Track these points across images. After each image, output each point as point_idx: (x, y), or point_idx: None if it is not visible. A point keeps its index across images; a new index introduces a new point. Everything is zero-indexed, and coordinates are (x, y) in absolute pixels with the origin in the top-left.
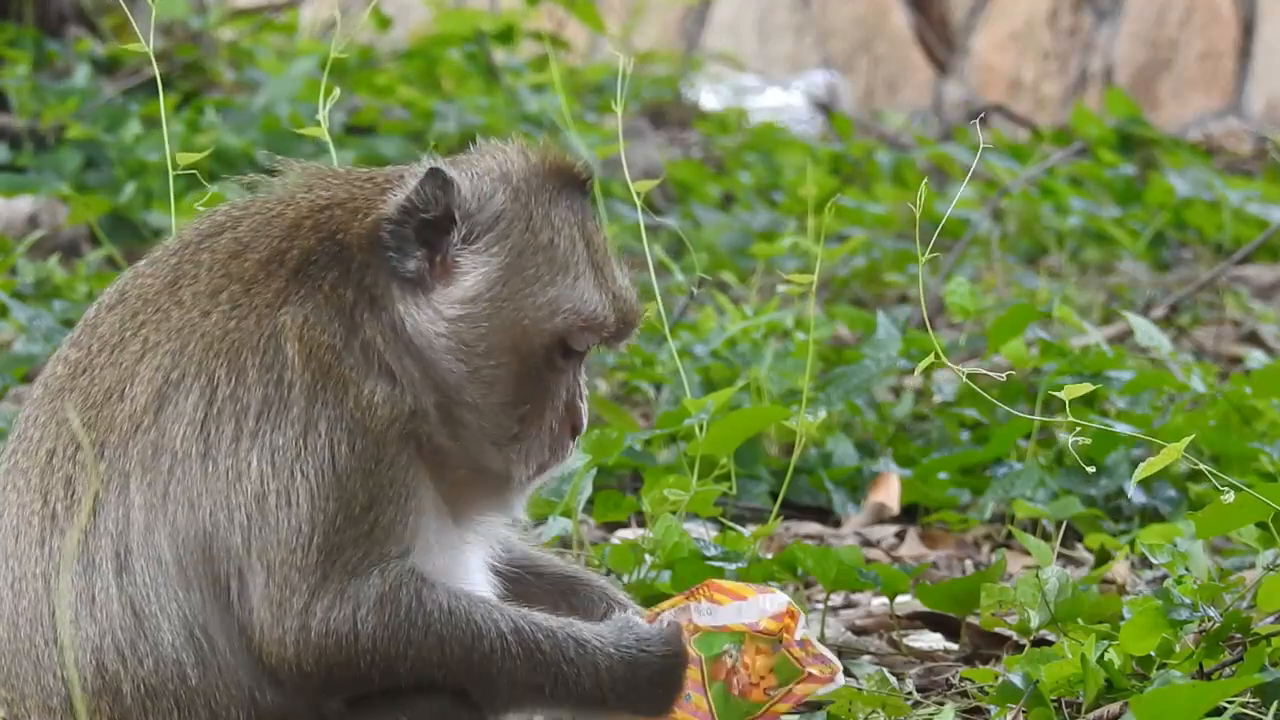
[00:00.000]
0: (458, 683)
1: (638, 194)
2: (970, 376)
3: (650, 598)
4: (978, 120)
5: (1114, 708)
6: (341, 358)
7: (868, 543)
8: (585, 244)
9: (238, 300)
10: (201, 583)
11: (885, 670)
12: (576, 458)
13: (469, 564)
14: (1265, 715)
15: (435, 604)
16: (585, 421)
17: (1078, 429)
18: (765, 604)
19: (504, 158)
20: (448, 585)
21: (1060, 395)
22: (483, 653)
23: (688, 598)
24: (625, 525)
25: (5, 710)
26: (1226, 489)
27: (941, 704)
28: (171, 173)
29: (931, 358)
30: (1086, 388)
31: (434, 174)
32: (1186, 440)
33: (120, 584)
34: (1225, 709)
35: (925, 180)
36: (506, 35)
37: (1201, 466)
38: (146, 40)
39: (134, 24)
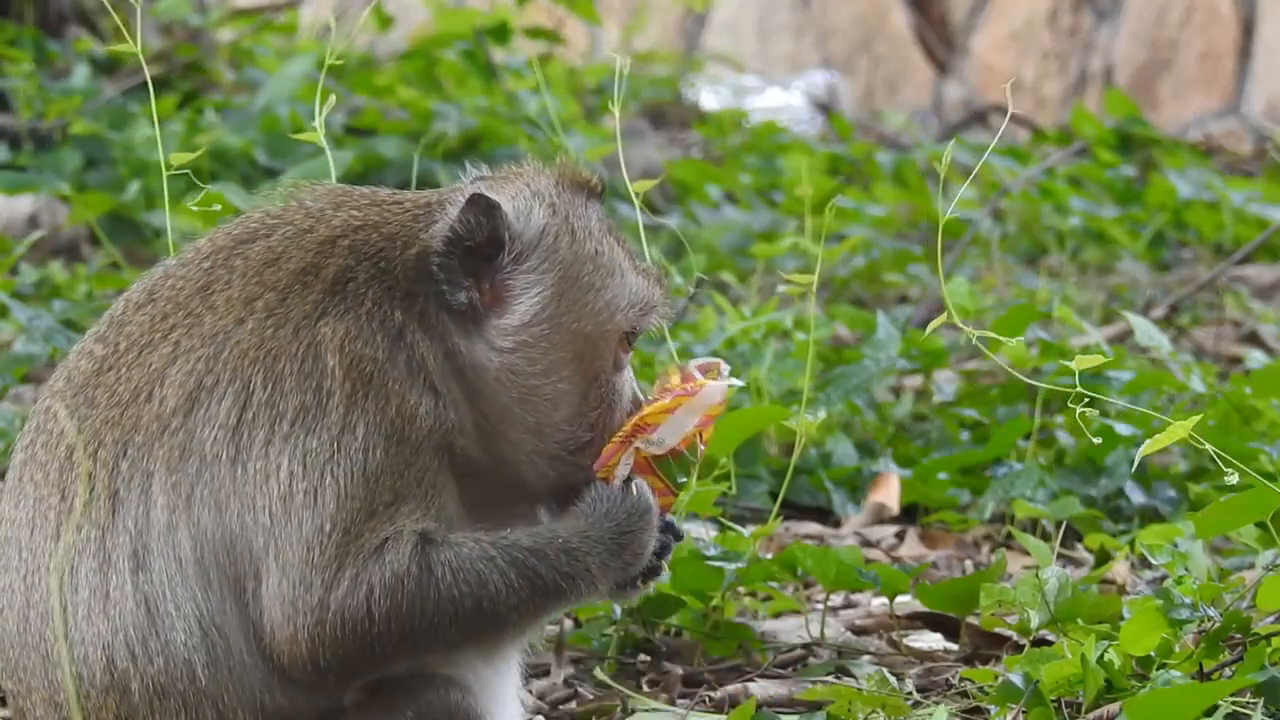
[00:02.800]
0: (469, 635)
1: (636, 194)
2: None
3: (650, 601)
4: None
5: (1114, 708)
6: (385, 370)
7: (868, 543)
8: (617, 242)
9: (273, 309)
10: (222, 583)
11: (885, 670)
12: None
13: None
14: (1263, 715)
15: (443, 565)
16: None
17: (1084, 400)
18: (704, 401)
19: (530, 176)
20: (446, 536)
21: (1063, 383)
22: (490, 597)
23: (626, 443)
24: None
25: (11, 703)
26: (1230, 471)
27: (941, 704)
28: (165, 173)
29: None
30: (1098, 358)
31: (476, 200)
32: (1194, 420)
33: (136, 582)
34: (1223, 708)
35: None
36: (501, 33)
37: (1207, 446)
38: (145, 40)
39: (123, 25)
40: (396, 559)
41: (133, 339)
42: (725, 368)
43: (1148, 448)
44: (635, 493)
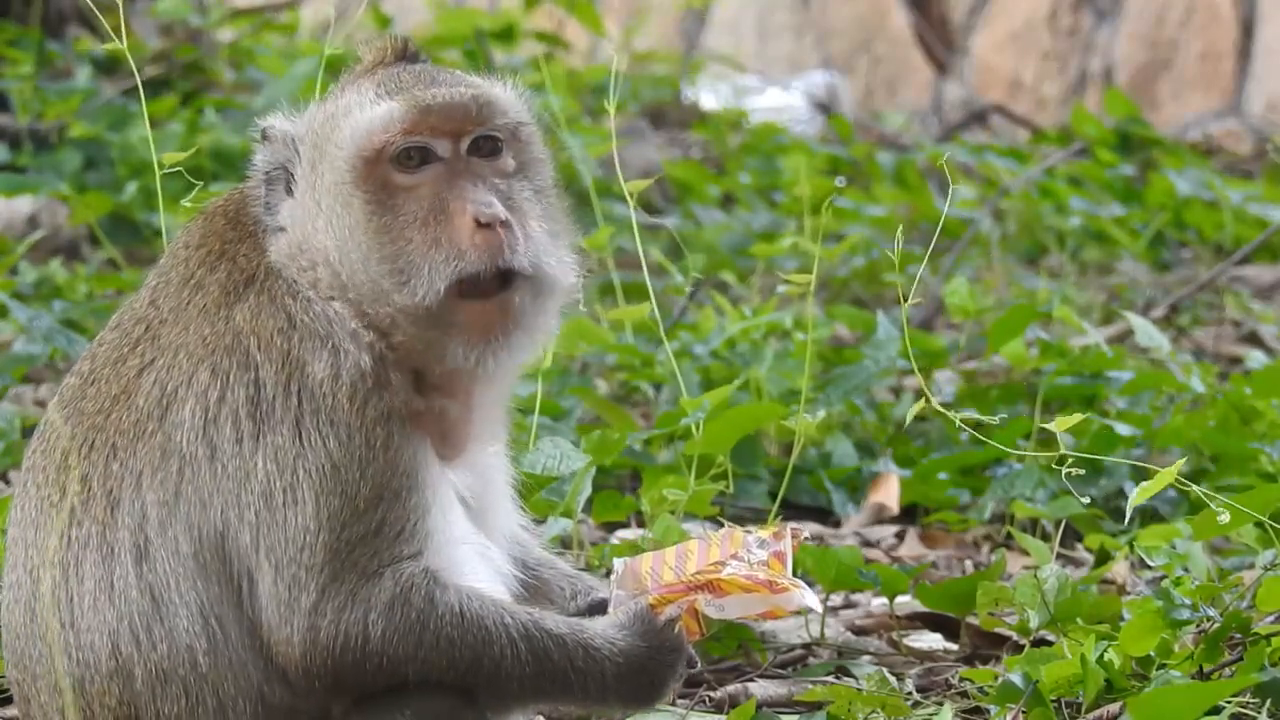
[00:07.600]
0: (466, 684)
1: (630, 194)
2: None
3: None
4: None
5: (1114, 708)
6: (290, 337)
7: (867, 543)
8: (373, 83)
9: (202, 308)
10: (219, 577)
11: (885, 670)
12: (515, 260)
13: (484, 558)
14: (1264, 715)
15: (447, 607)
16: (489, 211)
17: (1070, 461)
18: (780, 600)
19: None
20: (460, 585)
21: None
22: (492, 658)
23: (692, 591)
24: (625, 525)
25: (15, 690)
26: (1222, 510)
27: (941, 704)
28: (158, 172)
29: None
30: (1076, 418)
31: (262, 135)
32: (1179, 465)
33: (140, 572)
34: (1224, 708)
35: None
36: (507, 35)
37: (1199, 490)
38: (142, 40)
39: (109, 27)
40: (398, 584)
41: (108, 356)
42: (810, 591)
43: (1140, 494)
44: (675, 631)
